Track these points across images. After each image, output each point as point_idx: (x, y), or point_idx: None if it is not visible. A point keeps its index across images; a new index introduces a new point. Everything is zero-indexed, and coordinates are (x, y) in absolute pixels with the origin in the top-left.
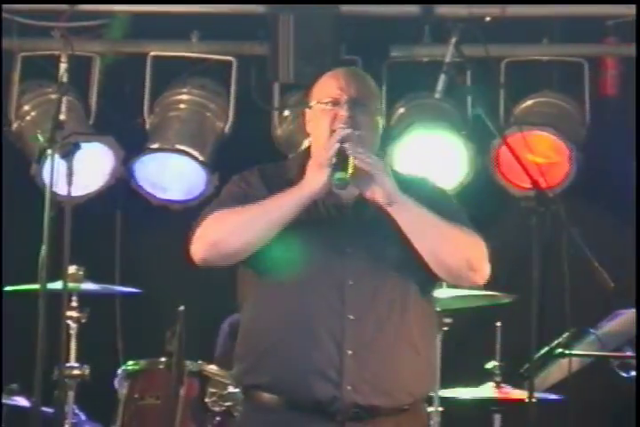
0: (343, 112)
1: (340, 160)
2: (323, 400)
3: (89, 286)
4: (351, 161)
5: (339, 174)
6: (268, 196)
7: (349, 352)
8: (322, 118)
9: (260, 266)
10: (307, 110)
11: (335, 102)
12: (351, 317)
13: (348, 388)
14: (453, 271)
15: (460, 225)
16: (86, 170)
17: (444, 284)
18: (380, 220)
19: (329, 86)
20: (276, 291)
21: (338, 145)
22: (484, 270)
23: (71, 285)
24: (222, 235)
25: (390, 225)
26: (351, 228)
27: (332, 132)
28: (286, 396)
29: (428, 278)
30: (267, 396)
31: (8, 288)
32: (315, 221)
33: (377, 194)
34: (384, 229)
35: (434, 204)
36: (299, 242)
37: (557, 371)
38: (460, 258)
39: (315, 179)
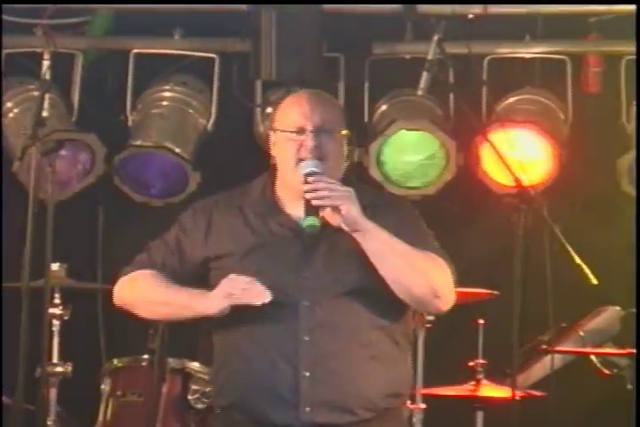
0: (309, 141)
1: (308, 206)
2: (282, 424)
3: (71, 283)
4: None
5: (308, 220)
6: (204, 236)
7: (306, 374)
8: (288, 147)
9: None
10: (271, 133)
11: (300, 131)
12: (306, 338)
13: (307, 409)
14: (418, 298)
15: (427, 252)
16: (68, 167)
17: None
18: (341, 242)
19: (293, 114)
20: (235, 315)
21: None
22: (449, 298)
23: (54, 282)
24: (128, 304)
25: (352, 248)
26: (311, 250)
27: (299, 161)
28: (251, 418)
29: (391, 300)
30: (236, 415)
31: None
32: (274, 244)
33: (342, 222)
34: (345, 251)
35: (403, 228)
36: (256, 265)
37: (540, 368)
38: (425, 286)
39: (212, 304)
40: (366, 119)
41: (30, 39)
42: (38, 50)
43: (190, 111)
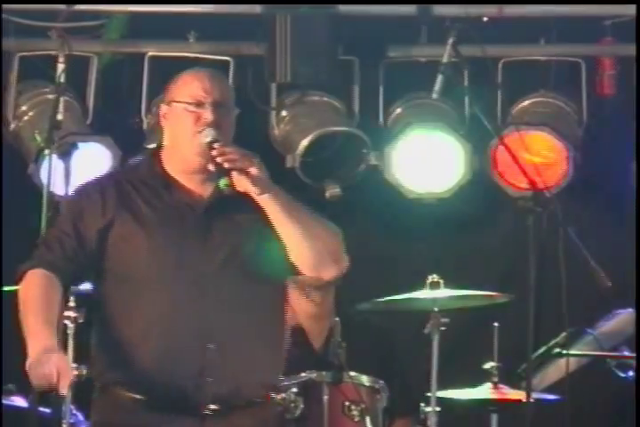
0: (208, 115)
1: (220, 168)
2: (184, 391)
3: (86, 285)
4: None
5: (224, 181)
6: (101, 208)
7: (210, 346)
8: (184, 118)
9: (115, 266)
10: (162, 105)
11: (199, 104)
12: (212, 312)
13: (209, 380)
14: (315, 263)
15: (322, 218)
16: (83, 170)
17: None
18: (237, 217)
19: (193, 87)
20: (133, 288)
21: None
22: (343, 262)
23: None
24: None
25: (248, 222)
26: (209, 225)
27: (196, 133)
28: (146, 393)
29: (284, 274)
30: (126, 394)
31: (5, 288)
32: (172, 218)
33: (249, 186)
34: (242, 226)
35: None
36: (158, 239)
37: (555, 371)
38: (323, 250)
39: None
40: (381, 122)
41: (45, 42)
42: (53, 53)
43: None
